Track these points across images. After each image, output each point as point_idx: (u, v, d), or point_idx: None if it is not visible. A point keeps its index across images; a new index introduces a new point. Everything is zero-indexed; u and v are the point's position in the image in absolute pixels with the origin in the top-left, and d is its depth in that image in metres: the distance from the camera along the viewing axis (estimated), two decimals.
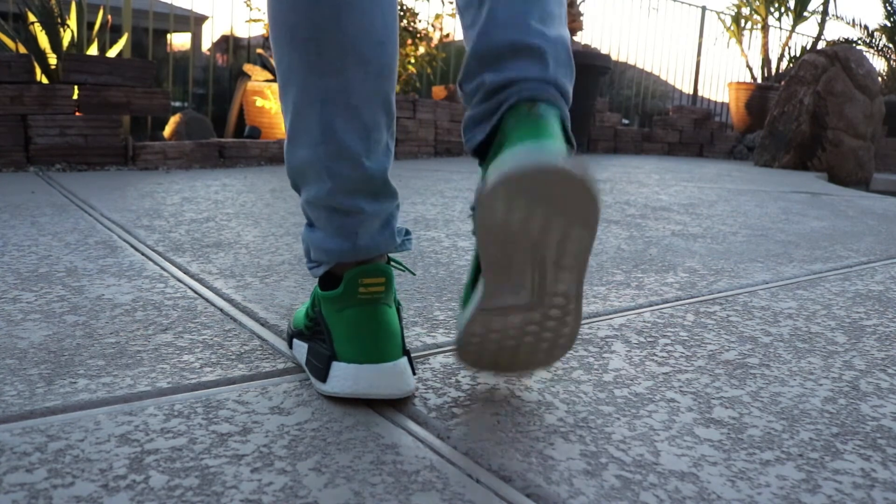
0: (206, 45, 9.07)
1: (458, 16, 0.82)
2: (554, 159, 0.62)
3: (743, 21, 6.81)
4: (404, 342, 0.81)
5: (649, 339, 1.05)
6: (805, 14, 6.82)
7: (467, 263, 1.46)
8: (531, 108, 0.71)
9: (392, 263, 0.84)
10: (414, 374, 0.80)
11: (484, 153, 0.77)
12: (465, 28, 0.79)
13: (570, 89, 0.76)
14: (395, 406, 0.78)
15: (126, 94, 2.92)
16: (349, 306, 0.78)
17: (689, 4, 6.93)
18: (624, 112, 6.89)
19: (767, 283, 1.43)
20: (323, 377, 0.78)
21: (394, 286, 0.81)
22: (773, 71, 6.74)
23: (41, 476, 0.61)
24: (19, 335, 0.94)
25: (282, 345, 0.95)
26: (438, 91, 4.74)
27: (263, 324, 1.03)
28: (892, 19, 7.48)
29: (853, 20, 8.22)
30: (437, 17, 4.48)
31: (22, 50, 2.98)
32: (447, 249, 1.58)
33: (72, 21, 3.07)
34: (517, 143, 0.69)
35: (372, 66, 0.76)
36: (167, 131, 3.83)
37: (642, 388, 0.86)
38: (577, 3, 5.22)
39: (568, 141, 0.73)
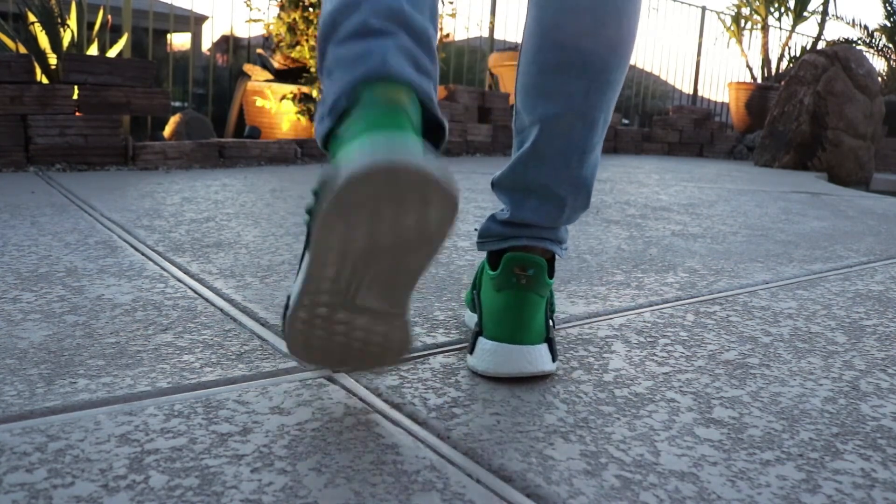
0: (206, 45, 9.08)
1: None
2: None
3: (743, 21, 6.81)
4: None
5: (649, 339, 1.05)
6: (805, 14, 6.82)
7: (467, 263, 1.46)
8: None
9: None
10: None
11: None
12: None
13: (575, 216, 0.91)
14: (395, 406, 0.78)
15: (126, 94, 2.92)
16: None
17: (689, 4, 6.93)
18: (624, 112, 6.89)
19: (767, 283, 1.43)
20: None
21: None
22: (773, 71, 6.75)
23: (41, 476, 0.61)
24: (19, 335, 0.94)
25: (282, 345, 0.95)
26: (438, 91, 4.74)
27: (263, 324, 1.03)
28: (892, 19, 7.48)
29: (853, 20, 8.23)
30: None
31: (22, 50, 2.98)
32: (447, 249, 1.58)
33: (72, 21, 3.07)
34: (495, 336, 0.82)
35: None
36: (167, 131, 3.83)
37: (642, 388, 0.86)
38: None
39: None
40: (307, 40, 3.89)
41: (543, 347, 0.85)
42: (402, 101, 0.67)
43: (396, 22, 0.70)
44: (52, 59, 2.96)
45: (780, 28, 6.99)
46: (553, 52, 0.83)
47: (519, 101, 0.88)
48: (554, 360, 0.86)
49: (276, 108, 3.90)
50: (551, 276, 0.90)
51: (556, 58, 0.83)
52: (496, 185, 0.92)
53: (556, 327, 1.07)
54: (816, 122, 4.93)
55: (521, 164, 0.87)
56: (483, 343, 0.85)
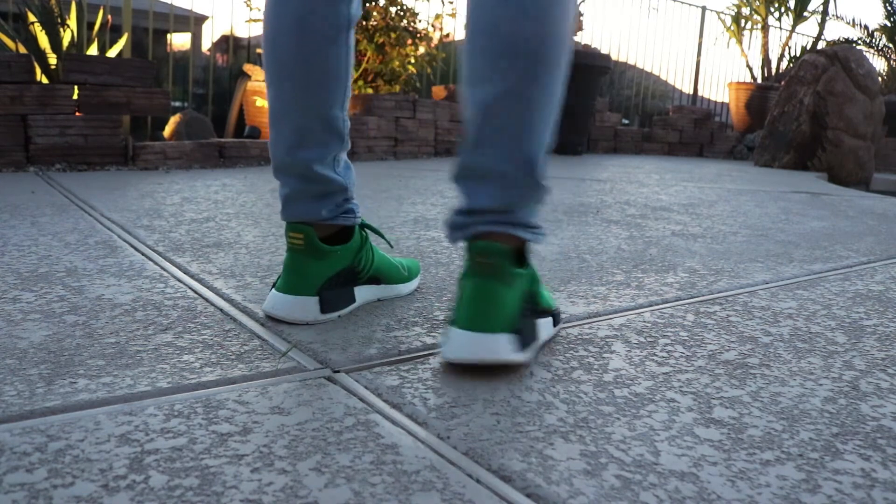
0: (206, 45, 9.08)
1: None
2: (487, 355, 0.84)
3: (743, 21, 6.81)
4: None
5: (649, 339, 1.05)
6: (805, 14, 6.82)
7: None
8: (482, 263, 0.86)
9: (366, 228, 1.10)
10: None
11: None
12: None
13: (529, 217, 0.91)
14: (395, 406, 0.78)
15: (126, 94, 2.92)
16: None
17: (689, 4, 6.93)
18: (624, 112, 6.89)
19: (767, 283, 1.43)
20: None
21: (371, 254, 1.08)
22: (773, 71, 6.75)
23: (41, 476, 0.61)
24: (19, 335, 0.94)
25: (282, 345, 0.95)
26: (438, 91, 4.74)
27: (263, 324, 1.03)
28: (892, 19, 7.48)
29: (853, 20, 8.23)
30: (437, 17, 4.48)
31: (22, 50, 2.98)
32: (447, 249, 1.58)
33: (72, 21, 3.07)
34: (458, 324, 0.87)
35: (296, 82, 0.98)
36: (167, 131, 3.83)
37: (642, 388, 0.86)
38: (578, 3, 5.22)
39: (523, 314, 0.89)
40: None
41: (505, 337, 0.85)
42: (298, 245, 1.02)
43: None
44: (52, 59, 2.96)
45: (780, 28, 6.99)
46: (486, 36, 0.85)
47: (462, 89, 0.91)
48: (524, 349, 0.87)
49: None
50: (521, 264, 0.90)
51: (489, 41, 0.85)
52: (453, 179, 0.94)
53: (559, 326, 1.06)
54: (816, 122, 4.93)
55: (466, 151, 0.90)
56: (449, 330, 0.88)
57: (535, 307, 0.94)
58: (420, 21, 4.28)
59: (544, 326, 0.97)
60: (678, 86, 7.29)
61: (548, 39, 0.84)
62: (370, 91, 4.17)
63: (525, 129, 0.86)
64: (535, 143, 0.88)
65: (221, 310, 1.10)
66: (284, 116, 1.00)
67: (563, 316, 1.12)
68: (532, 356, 0.91)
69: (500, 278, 0.86)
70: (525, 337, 0.88)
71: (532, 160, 0.88)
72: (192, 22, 4.63)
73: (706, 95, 7.35)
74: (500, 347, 0.85)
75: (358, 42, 4.03)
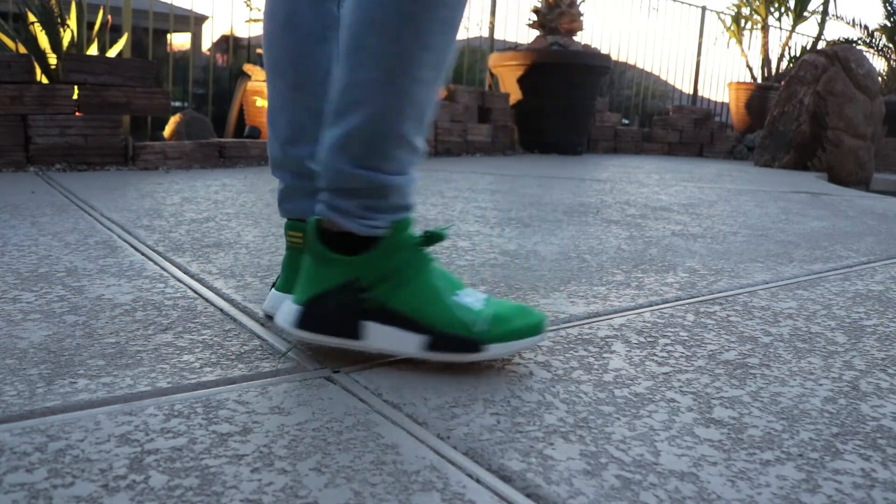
0: (206, 45, 9.08)
1: None
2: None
3: (743, 21, 6.82)
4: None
5: (649, 339, 1.05)
6: (805, 14, 6.83)
7: (467, 264, 1.46)
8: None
9: None
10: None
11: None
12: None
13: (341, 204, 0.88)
14: (395, 406, 0.78)
15: (126, 94, 2.92)
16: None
17: (689, 4, 6.93)
18: (624, 112, 6.90)
19: (767, 283, 1.43)
20: None
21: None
22: (773, 71, 6.75)
23: (41, 476, 0.61)
24: (19, 335, 0.94)
25: (282, 344, 0.95)
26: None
27: (263, 324, 1.03)
28: (892, 19, 7.48)
29: (853, 20, 8.23)
30: None
31: (22, 50, 2.98)
32: (447, 249, 1.58)
33: (72, 21, 3.07)
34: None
35: (288, 80, 1.00)
36: (167, 131, 3.83)
37: (642, 388, 0.86)
38: (577, 3, 5.22)
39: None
40: None
41: (288, 303, 0.90)
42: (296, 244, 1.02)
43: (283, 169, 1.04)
44: (52, 59, 2.96)
45: (780, 28, 6.99)
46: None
47: None
48: (301, 327, 0.88)
49: None
50: (346, 251, 0.87)
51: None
52: None
53: (548, 329, 1.05)
54: (816, 122, 4.93)
55: None
56: None
57: (364, 305, 0.87)
58: None
59: (386, 335, 0.87)
60: (678, 86, 7.29)
61: (366, 27, 0.82)
62: None
63: (335, 114, 0.86)
64: (340, 131, 0.85)
65: (221, 310, 1.10)
66: (279, 113, 1.02)
67: (562, 316, 1.09)
68: (314, 340, 0.88)
69: (308, 251, 0.89)
70: (312, 319, 0.87)
71: (333, 147, 0.86)
72: (192, 22, 4.63)
73: (706, 95, 7.36)
74: (280, 309, 0.91)
75: None
